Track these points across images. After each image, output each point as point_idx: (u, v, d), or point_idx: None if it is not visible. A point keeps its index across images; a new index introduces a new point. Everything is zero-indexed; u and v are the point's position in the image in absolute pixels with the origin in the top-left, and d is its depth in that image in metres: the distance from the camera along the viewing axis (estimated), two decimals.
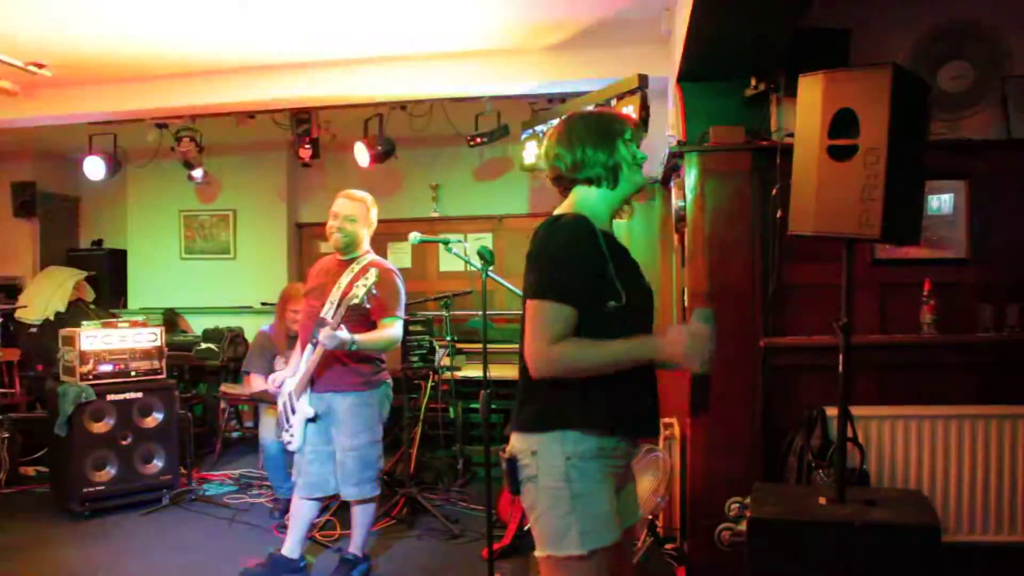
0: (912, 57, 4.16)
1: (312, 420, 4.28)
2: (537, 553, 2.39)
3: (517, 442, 2.39)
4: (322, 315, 4.19)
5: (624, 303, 2.31)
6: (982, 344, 4.13)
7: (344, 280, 4.27)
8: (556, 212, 2.45)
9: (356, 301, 4.06)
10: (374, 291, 4.12)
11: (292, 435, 4.32)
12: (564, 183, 2.51)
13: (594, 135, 2.44)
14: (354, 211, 4.42)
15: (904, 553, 2.87)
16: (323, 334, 4.04)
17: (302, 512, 4.41)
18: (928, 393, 4.13)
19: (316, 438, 4.31)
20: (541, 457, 2.32)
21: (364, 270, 4.23)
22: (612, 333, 2.28)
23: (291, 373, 4.36)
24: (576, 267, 2.29)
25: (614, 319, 2.29)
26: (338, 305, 4.11)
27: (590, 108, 2.65)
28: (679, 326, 2.29)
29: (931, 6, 4.29)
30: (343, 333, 4.05)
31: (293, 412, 4.31)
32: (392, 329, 4.32)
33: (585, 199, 2.47)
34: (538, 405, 2.35)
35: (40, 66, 5.96)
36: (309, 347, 4.25)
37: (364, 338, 4.16)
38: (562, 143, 2.47)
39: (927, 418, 4.07)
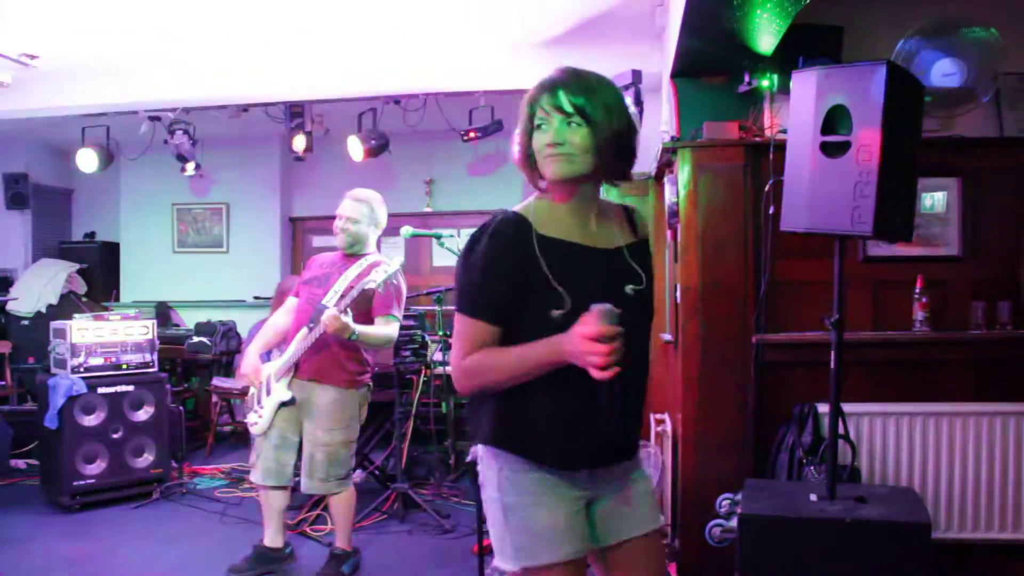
0: (904, 54, 4.15)
1: (286, 404, 4.30)
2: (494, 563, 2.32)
3: (475, 449, 2.36)
4: (323, 302, 4.19)
5: (571, 308, 2.04)
6: (974, 341, 4.14)
7: (351, 273, 4.28)
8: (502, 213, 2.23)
9: (373, 286, 4.07)
10: (394, 281, 4.20)
11: (260, 416, 4.33)
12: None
13: (521, 130, 2.22)
14: (357, 212, 4.44)
15: (895, 550, 2.87)
16: (328, 315, 4.03)
17: (271, 502, 4.42)
18: (920, 390, 4.13)
19: (286, 425, 4.32)
20: (483, 466, 2.27)
21: (372, 267, 4.23)
22: None
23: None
24: (494, 277, 2.10)
25: (560, 329, 2.01)
26: (342, 295, 4.13)
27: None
28: (578, 326, 1.95)
29: (924, 3, 4.29)
30: (347, 318, 4.06)
31: (268, 393, 4.32)
32: (391, 327, 4.34)
33: (538, 198, 2.27)
34: (475, 417, 2.28)
35: (32, 57, 5.94)
36: (304, 331, 4.24)
37: (364, 330, 4.16)
38: (612, 110, 2.18)
39: (919, 415, 4.07)
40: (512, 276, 2.09)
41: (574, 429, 2.14)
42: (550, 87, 2.17)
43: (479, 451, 2.28)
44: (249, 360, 4.36)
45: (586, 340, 1.91)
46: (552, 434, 2.14)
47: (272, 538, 4.45)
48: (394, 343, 4.57)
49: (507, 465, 2.18)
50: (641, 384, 2.26)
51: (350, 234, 4.40)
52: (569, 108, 2.12)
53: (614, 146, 2.14)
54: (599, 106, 2.13)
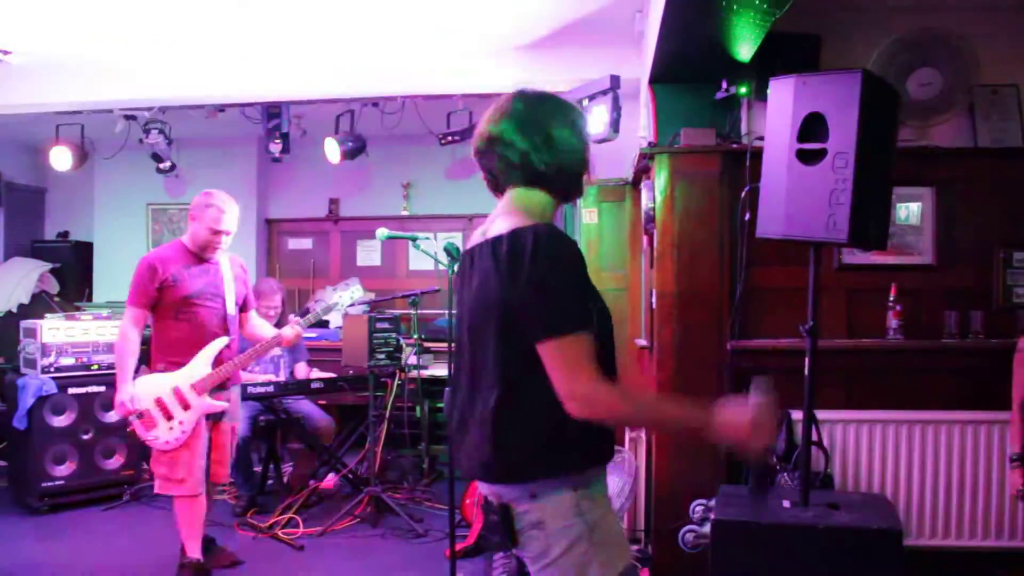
0: (881, 63, 4.18)
1: (213, 415, 4.36)
2: None
3: (506, 491, 2.07)
4: (230, 313, 4.45)
5: (596, 328, 2.01)
6: (947, 350, 4.17)
7: (229, 275, 4.50)
8: (507, 220, 2.08)
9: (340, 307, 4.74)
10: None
11: (180, 429, 4.24)
12: (506, 177, 2.18)
13: (557, 126, 2.13)
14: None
15: (867, 557, 2.89)
16: (295, 331, 4.53)
17: (201, 510, 4.35)
18: (893, 398, 4.16)
19: (203, 432, 4.32)
20: (545, 498, 2.03)
21: (239, 265, 4.65)
22: None
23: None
24: (576, 285, 1.99)
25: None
26: (304, 312, 4.25)
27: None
28: (740, 402, 1.94)
29: (900, 14, 4.32)
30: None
31: (186, 408, 4.25)
32: None
33: (531, 203, 2.14)
34: (521, 451, 2.03)
35: (6, 53, 5.87)
36: (222, 341, 4.36)
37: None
38: (518, 125, 2.14)
39: (892, 422, 4.10)
40: (585, 282, 2.03)
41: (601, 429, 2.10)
42: (575, 107, 2.25)
43: (528, 487, 2.03)
44: (129, 391, 4.25)
45: (759, 422, 1.92)
46: (600, 431, 2.07)
47: (200, 549, 4.40)
48: None
49: (580, 485, 2.04)
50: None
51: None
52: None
53: None
54: None
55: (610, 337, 2.14)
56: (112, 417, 5.79)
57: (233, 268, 4.54)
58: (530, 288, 1.95)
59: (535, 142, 2.11)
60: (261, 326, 4.75)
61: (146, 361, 4.41)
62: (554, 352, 1.94)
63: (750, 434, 1.92)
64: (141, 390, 4.26)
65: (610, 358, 2.12)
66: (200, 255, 4.40)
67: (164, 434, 4.24)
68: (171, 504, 4.33)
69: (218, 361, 4.35)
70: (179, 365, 4.29)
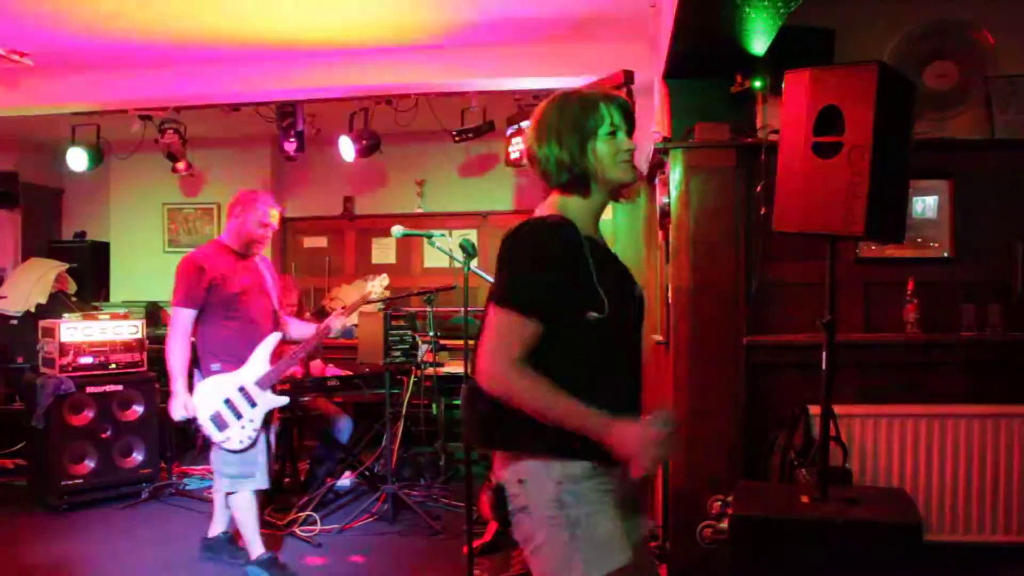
0: (897, 56, 4.15)
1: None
2: None
3: (501, 467, 2.18)
4: (276, 308, 4.51)
5: (605, 315, 2.08)
6: (965, 343, 4.14)
7: (267, 275, 4.53)
8: (537, 214, 2.22)
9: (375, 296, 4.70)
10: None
11: (252, 427, 4.28)
12: (545, 184, 2.27)
13: (564, 133, 2.18)
14: None
15: (886, 552, 2.87)
16: (345, 316, 4.50)
17: (255, 507, 4.39)
18: (911, 392, 4.13)
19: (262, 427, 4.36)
20: (530, 485, 2.11)
21: (266, 264, 4.62)
22: (588, 346, 2.09)
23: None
24: (552, 274, 2.07)
25: (593, 331, 2.08)
26: (348, 306, 4.39)
27: (578, 90, 2.32)
28: (638, 425, 2.01)
29: (916, 5, 4.29)
30: None
31: (253, 405, 4.29)
32: None
33: (565, 202, 2.22)
34: (517, 424, 2.08)
35: (22, 55, 5.90)
36: (274, 338, 4.37)
37: None
38: (537, 136, 2.23)
39: (910, 417, 4.07)
40: (569, 274, 2.08)
41: (624, 417, 2.11)
42: (616, 99, 2.26)
43: (519, 471, 2.13)
44: (186, 397, 4.28)
45: (649, 446, 1.96)
46: None
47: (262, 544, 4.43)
48: None
49: (566, 477, 2.08)
50: (640, 379, 2.31)
51: None
52: (629, 124, 2.25)
53: None
54: None
55: (628, 325, 2.24)
56: (130, 416, 5.83)
57: (264, 265, 4.57)
58: (501, 263, 2.13)
59: (551, 151, 2.19)
60: (291, 321, 4.79)
61: (194, 363, 4.41)
62: (490, 320, 2.08)
63: (637, 454, 1.97)
64: (208, 393, 4.27)
65: (623, 345, 2.21)
66: (243, 252, 4.42)
67: (237, 433, 4.26)
68: (232, 503, 4.38)
69: (275, 356, 4.37)
70: (235, 363, 4.29)
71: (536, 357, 2.05)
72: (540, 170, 2.23)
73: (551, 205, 2.23)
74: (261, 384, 4.31)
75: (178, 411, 4.30)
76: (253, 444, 4.29)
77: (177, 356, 4.30)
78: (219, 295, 4.29)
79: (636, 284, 2.33)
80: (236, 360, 4.31)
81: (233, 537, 4.59)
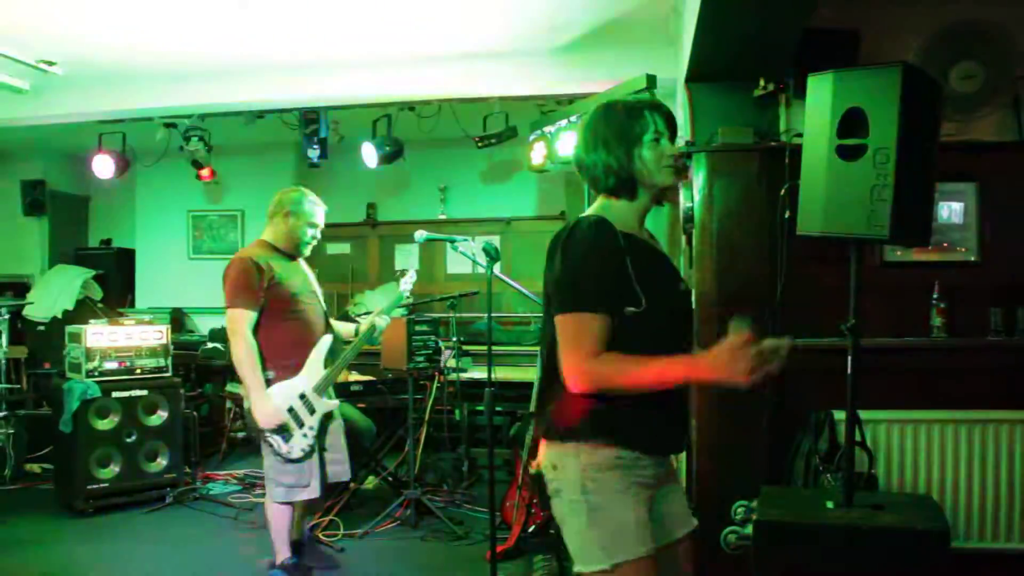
0: (922, 57, 4.12)
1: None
2: (576, 569, 2.29)
3: (543, 455, 2.34)
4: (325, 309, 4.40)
5: (644, 308, 2.20)
6: (993, 348, 4.09)
7: (311, 276, 4.48)
8: (581, 216, 2.34)
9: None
10: None
11: (314, 436, 4.16)
12: (593, 189, 2.43)
13: (611, 140, 2.31)
14: None
15: (913, 558, 2.83)
16: (386, 317, 4.43)
17: (292, 515, 4.33)
18: (938, 397, 4.08)
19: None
20: (561, 471, 2.27)
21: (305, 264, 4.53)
22: (631, 340, 2.18)
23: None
24: (597, 271, 2.19)
25: (633, 325, 2.19)
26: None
27: (623, 99, 2.49)
28: (718, 346, 2.10)
29: (940, 6, 4.25)
30: None
31: (312, 412, 4.18)
32: None
33: (611, 204, 2.37)
34: (556, 414, 2.29)
35: (50, 64, 5.97)
36: (328, 340, 4.29)
37: None
38: (585, 144, 2.38)
39: (937, 422, 4.03)
40: (614, 269, 2.20)
41: (667, 413, 2.33)
42: (661, 107, 2.39)
43: (553, 457, 2.29)
44: (271, 404, 4.09)
45: (734, 350, 2.04)
46: (650, 420, 2.27)
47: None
48: None
49: (590, 464, 2.22)
50: None
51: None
52: (672, 130, 2.38)
53: None
54: None
55: (673, 319, 2.35)
56: (155, 420, 5.87)
57: (305, 265, 4.51)
58: (555, 269, 2.24)
59: (599, 158, 2.33)
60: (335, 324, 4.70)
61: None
62: (560, 328, 2.20)
63: (726, 370, 2.06)
64: (276, 402, 4.11)
65: (665, 339, 2.25)
66: (290, 252, 4.37)
67: (299, 442, 4.13)
68: (269, 508, 4.25)
69: (329, 359, 4.29)
70: (289, 368, 4.17)
71: None
72: (589, 176, 2.39)
73: (595, 208, 2.38)
74: (319, 390, 4.19)
75: (266, 417, 4.06)
76: (311, 452, 4.18)
77: (248, 361, 4.07)
78: (277, 296, 4.16)
79: (682, 280, 2.45)
80: (291, 365, 4.17)
81: (314, 535, 4.57)
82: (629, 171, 2.31)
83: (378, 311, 4.58)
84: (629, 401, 2.19)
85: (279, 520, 4.25)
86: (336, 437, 4.39)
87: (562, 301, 2.20)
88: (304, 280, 4.37)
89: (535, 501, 4.63)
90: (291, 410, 4.14)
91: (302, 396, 4.17)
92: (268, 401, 4.07)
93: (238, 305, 4.13)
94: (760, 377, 2.05)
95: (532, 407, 2.27)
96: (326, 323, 4.40)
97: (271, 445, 4.12)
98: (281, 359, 4.17)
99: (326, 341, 4.28)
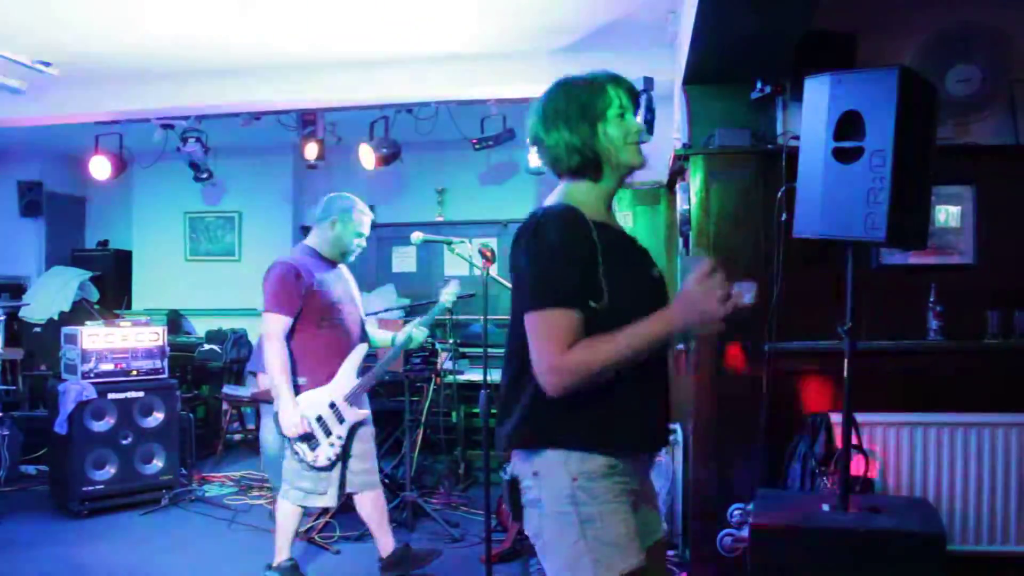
0: (918, 60, 4.12)
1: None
2: None
3: (518, 462, 2.16)
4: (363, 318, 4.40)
5: (607, 303, 2.04)
6: (989, 351, 4.10)
7: (353, 284, 4.42)
8: (545, 203, 2.19)
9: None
10: None
11: (342, 445, 4.15)
12: (554, 173, 2.26)
13: (573, 118, 2.17)
14: None
15: (909, 561, 2.84)
16: (422, 327, 4.37)
17: (300, 519, 4.33)
18: (934, 400, 4.09)
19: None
20: (544, 479, 2.08)
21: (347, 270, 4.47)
22: (599, 331, 2.01)
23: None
24: (567, 265, 2.03)
25: (600, 318, 2.01)
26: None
27: (581, 74, 2.29)
28: (681, 294, 2.00)
29: (937, 9, 4.26)
30: None
31: (342, 421, 4.16)
32: None
33: (575, 188, 2.21)
34: (536, 420, 2.09)
35: (47, 65, 5.96)
36: (361, 348, 4.26)
37: None
38: (544, 122, 2.22)
39: (933, 425, 4.03)
40: (584, 261, 2.05)
41: (650, 408, 2.17)
42: (623, 81, 2.26)
43: (534, 464, 2.10)
44: (297, 409, 4.05)
45: (700, 285, 1.96)
46: (633, 416, 2.11)
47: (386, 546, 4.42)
48: None
49: (583, 473, 2.05)
50: (666, 364, 2.29)
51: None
52: (636, 105, 2.24)
53: None
54: None
55: (652, 305, 2.09)
56: (151, 422, 5.86)
57: (347, 272, 4.48)
58: (521, 264, 2.09)
59: (560, 137, 2.18)
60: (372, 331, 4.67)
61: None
62: (530, 327, 2.04)
63: (697, 311, 1.98)
64: (302, 411, 4.06)
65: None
66: (334, 260, 4.34)
67: (326, 451, 4.11)
68: (280, 506, 4.25)
69: (363, 369, 4.27)
70: (321, 376, 4.14)
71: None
72: (550, 157, 2.23)
73: (558, 194, 2.23)
74: (350, 399, 4.17)
75: (291, 426, 4.01)
76: (337, 462, 4.17)
77: (279, 364, 4.02)
78: (315, 303, 4.11)
79: (654, 266, 2.28)
80: (323, 373, 4.14)
81: (407, 547, 4.53)
82: (594, 149, 2.17)
83: (416, 322, 4.54)
84: (607, 399, 2.05)
85: (287, 520, 4.24)
86: (365, 444, 4.33)
87: (532, 298, 2.04)
88: (345, 288, 4.34)
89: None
90: (319, 419, 4.12)
91: (332, 405, 4.15)
92: (294, 410, 4.02)
93: (273, 309, 4.08)
94: (730, 310, 1.97)
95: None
96: (363, 332, 4.37)
97: (296, 452, 4.12)
98: (314, 367, 4.14)
99: (360, 350, 4.25)
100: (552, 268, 2.04)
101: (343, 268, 4.42)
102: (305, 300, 4.09)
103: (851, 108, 2.95)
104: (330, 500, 4.20)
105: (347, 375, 4.18)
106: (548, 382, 2.00)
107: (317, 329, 4.13)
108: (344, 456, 4.22)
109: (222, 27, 5.31)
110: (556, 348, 1.98)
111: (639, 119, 2.24)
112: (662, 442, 2.27)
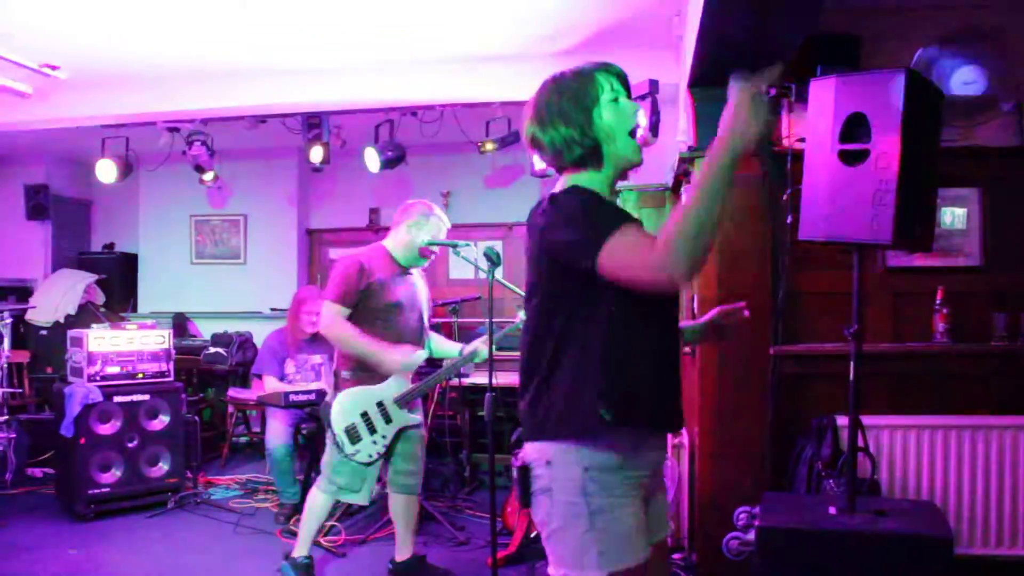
0: (924, 62, 4.11)
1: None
2: (551, 571, 2.16)
3: (531, 450, 2.18)
4: (425, 325, 4.43)
5: None
6: (996, 353, 4.09)
7: (423, 287, 4.49)
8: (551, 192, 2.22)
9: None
10: None
11: (385, 444, 4.21)
12: (556, 167, 2.29)
13: (568, 109, 2.19)
14: None
15: (915, 565, 2.82)
16: (486, 343, 4.22)
17: (326, 514, 4.38)
18: (941, 403, 4.08)
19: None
20: (556, 468, 2.11)
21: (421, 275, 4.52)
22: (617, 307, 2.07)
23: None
24: (601, 205, 2.12)
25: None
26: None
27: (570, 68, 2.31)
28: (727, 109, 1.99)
29: (943, 12, 4.25)
30: None
31: (388, 422, 4.20)
32: None
33: (577, 178, 2.23)
34: (551, 408, 2.12)
35: (53, 68, 5.98)
36: (421, 356, 4.29)
37: None
38: (540, 121, 2.25)
39: (940, 428, 4.02)
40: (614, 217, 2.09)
41: (666, 387, 2.20)
42: (612, 68, 2.28)
43: (547, 453, 2.13)
44: (397, 353, 4.14)
45: (751, 93, 1.97)
46: (652, 394, 2.15)
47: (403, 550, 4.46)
48: None
49: (594, 464, 2.08)
50: (677, 337, 2.33)
51: None
52: (628, 90, 2.29)
53: None
54: None
55: None
56: (157, 425, 5.86)
57: (421, 277, 4.50)
58: (558, 230, 2.08)
59: (558, 132, 2.21)
60: (435, 337, 4.68)
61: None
62: (609, 261, 1.99)
63: (748, 121, 1.96)
64: (348, 405, 4.15)
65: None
66: (407, 264, 4.36)
67: (367, 448, 4.15)
68: (310, 498, 4.30)
69: (418, 374, 4.30)
70: (368, 375, 4.17)
71: (553, 339, 2.14)
72: (550, 154, 2.26)
73: (563, 183, 2.24)
74: (400, 401, 4.21)
75: (401, 355, 4.11)
76: (377, 461, 4.21)
77: (348, 334, 4.12)
78: (374, 301, 4.17)
79: None
80: (370, 372, 4.16)
81: (423, 559, 4.55)
82: (593, 138, 2.19)
83: (485, 338, 4.45)
84: (627, 377, 2.08)
85: (314, 512, 4.28)
86: (412, 446, 4.37)
87: (588, 244, 2.00)
88: (410, 294, 4.35)
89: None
90: (364, 415, 4.16)
91: (379, 404, 4.19)
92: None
93: (331, 298, 4.17)
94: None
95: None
96: (420, 339, 4.38)
97: (338, 444, 4.15)
98: (358, 362, 4.18)
99: (416, 355, 4.25)
100: (588, 214, 2.07)
101: (417, 274, 4.45)
102: (364, 296, 4.15)
103: (856, 110, 2.94)
104: (363, 498, 4.26)
105: (401, 377, 4.22)
106: (665, 276, 1.93)
107: (369, 326, 4.16)
108: (388, 455, 4.27)
109: (227, 31, 5.32)
110: (645, 249, 1.95)
111: (641, 120, 2.26)
112: (679, 422, 2.29)
